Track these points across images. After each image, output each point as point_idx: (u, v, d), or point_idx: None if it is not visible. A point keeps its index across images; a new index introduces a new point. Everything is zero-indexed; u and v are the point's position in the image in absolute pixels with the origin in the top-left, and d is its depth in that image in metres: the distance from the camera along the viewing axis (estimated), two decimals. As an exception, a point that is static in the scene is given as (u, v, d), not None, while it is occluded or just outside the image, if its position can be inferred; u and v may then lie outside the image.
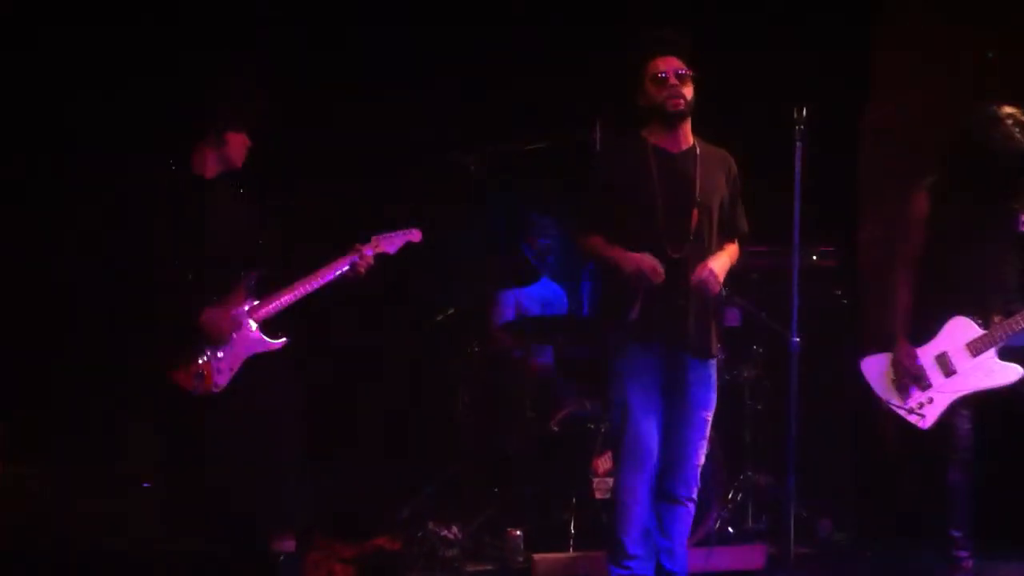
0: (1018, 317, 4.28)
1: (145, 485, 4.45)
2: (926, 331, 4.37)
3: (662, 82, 3.93)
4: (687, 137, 4.00)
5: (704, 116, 4.01)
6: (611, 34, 5.28)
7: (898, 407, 4.38)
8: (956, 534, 4.36)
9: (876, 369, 4.45)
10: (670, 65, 3.94)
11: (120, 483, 4.49)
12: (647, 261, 3.84)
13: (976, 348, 4.32)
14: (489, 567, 4.69)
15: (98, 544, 4.27)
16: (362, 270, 4.30)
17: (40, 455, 4.61)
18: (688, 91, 3.93)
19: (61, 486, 4.47)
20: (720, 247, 4.04)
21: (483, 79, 5.69)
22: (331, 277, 4.25)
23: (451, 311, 5.37)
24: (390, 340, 5.68)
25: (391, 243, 4.41)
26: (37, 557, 4.19)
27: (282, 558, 4.18)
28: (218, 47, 5.11)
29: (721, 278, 3.95)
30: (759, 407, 5.34)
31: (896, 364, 4.39)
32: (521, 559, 4.63)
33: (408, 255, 4.56)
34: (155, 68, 5.05)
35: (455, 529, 4.74)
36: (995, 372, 4.31)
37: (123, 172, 4.60)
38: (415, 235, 4.47)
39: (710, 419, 4.02)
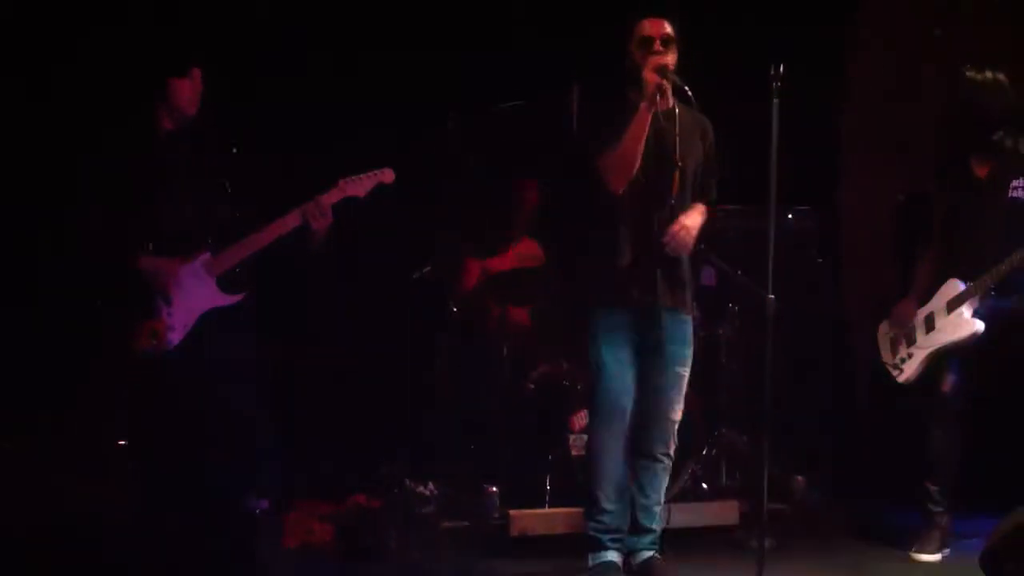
0: (986, 276, 4.33)
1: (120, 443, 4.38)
2: (927, 296, 4.53)
3: (647, 45, 3.91)
4: (667, 99, 3.96)
5: (683, 73, 3.98)
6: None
7: (887, 362, 4.61)
8: (932, 488, 4.44)
9: (883, 328, 4.67)
10: (657, 29, 3.92)
11: (87, 452, 4.40)
12: (650, 77, 3.82)
13: (952, 305, 4.41)
14: (466, 523, 4.72)
15: (68, 514, 4.21)
16: (315, 221, 4.04)
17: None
18: (671, 57, 3.91)
19: (28, 458, 4.39)
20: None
21: (464, 39, 5.64)
22: (285, 230, 4.04)
23: (427, 269, 5.36)
24: (366, 298, 5.65)
25: (360, 186, 4.12)
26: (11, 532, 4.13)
27: (258, 512, 4.13)
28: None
29: (694, 234, 3.95)
30: (734, 366, 5.37)
31: (893, 318, 4.60)
32: (497, 515, 4.66)
33: (386, 213, 4.46)
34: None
35: (431, 486, 4.76)
36: (960, 326, 4.39)
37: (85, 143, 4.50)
38: (387, 175, 4.17)
39: (686, 376, 4.03)
